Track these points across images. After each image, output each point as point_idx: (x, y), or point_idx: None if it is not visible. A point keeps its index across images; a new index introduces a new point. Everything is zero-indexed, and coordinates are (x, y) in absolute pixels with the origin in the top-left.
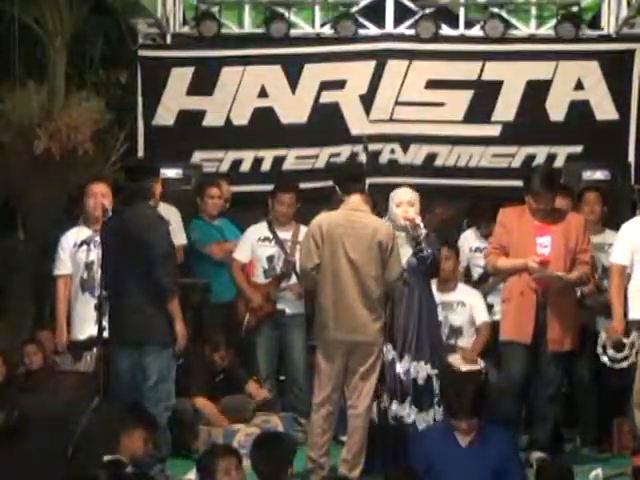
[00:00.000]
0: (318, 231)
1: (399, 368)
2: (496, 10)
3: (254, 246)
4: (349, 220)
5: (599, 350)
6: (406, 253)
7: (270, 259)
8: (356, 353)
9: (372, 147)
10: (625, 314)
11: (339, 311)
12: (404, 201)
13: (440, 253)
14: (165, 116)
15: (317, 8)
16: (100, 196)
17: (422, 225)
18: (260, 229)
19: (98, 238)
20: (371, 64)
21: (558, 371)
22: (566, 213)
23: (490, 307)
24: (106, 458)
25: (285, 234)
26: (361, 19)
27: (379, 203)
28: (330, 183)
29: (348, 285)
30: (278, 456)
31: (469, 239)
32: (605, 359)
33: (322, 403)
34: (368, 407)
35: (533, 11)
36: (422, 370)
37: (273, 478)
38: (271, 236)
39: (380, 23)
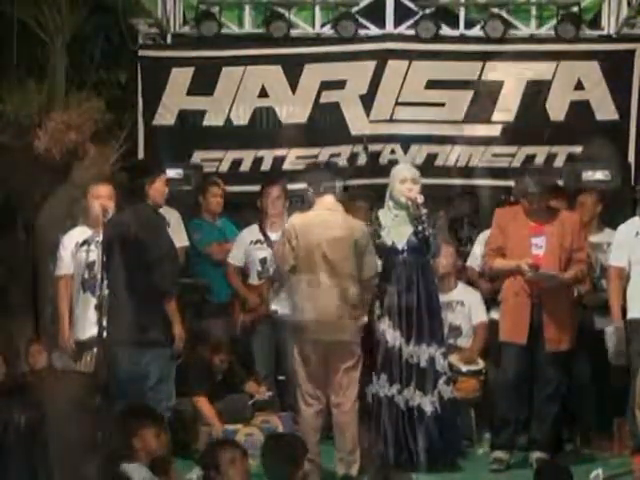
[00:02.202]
0: (292, 232)
1: (406, 353)
2: (496, 10)
3: (247, 249)
4: (324, 220)
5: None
6: (406, 232)
7: (263, 261)
8: (336, 352)
9: (372, 147)
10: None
11: (318, 311)
12: (408, 178)
13: (444, 246)
14: (165, 116)
15: (317, 8)
16: (105, 199)
17: (423, 206)
18: (252, 232)
19: (99, 238)
20: (371, 64)
21: (557, 371)
22: (560, 212)
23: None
24: (130, 470)
25: (276, 235)
26: (361, 19)
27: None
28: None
29: (326, 285)
30: (290, 458)
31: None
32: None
33: (310, 402)
34: (354, 403)
35: (533, 11)
36: (424, 352)
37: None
38: (263, 238)
39: (380, 23)
